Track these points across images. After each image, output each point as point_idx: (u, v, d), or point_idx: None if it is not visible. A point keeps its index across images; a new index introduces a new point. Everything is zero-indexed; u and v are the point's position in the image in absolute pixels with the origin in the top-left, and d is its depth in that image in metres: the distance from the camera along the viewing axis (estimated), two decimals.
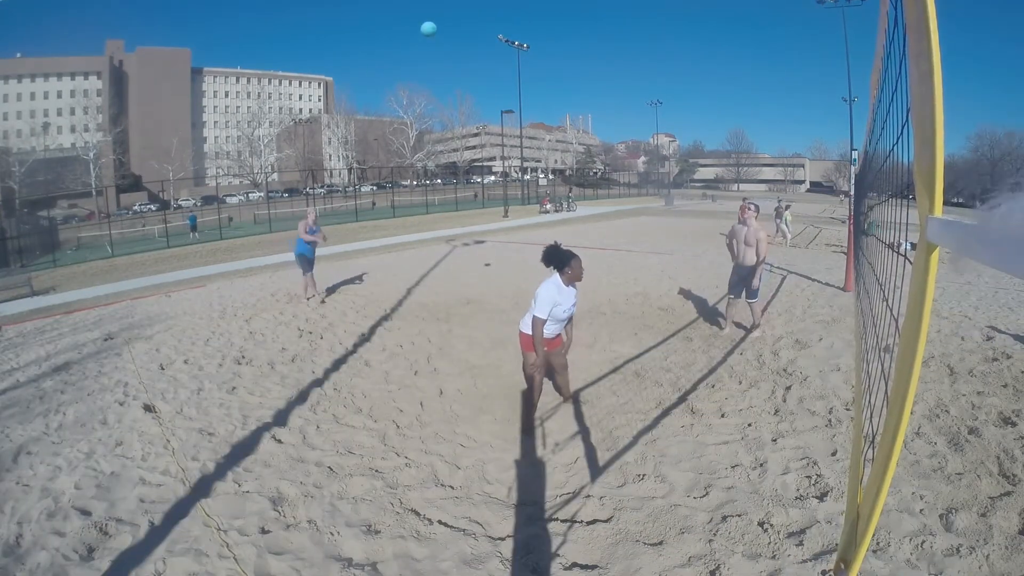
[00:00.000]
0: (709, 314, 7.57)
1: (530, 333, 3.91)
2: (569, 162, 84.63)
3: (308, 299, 9.04)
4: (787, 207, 17.99)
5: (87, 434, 4.35)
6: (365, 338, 6.89)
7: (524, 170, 61.35)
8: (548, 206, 33.91)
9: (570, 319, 4.23)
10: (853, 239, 5.97)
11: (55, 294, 12.21)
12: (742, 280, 6.47)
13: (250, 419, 4.55)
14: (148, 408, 4.84)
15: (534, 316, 3.85)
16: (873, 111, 1.86)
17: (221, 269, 14.37)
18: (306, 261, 9.13)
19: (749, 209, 6.47)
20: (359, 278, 11.10)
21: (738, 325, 6.85)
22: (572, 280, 3.97)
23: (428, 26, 8.49)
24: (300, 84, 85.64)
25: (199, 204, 50.46)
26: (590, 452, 3.82)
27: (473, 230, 22.67)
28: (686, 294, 8.88)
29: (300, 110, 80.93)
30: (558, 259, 3.94)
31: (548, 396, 4.87)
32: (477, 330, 7.02)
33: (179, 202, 56.05)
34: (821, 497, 3.14)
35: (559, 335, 4.21)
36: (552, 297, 3.86)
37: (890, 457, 0.76)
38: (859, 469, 1.00)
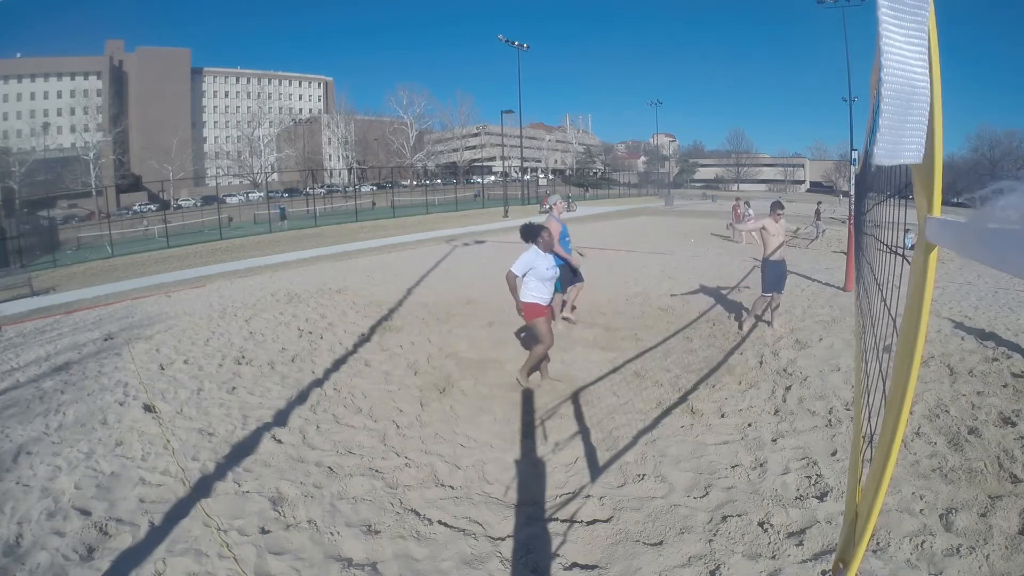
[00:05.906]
0: (709, 314, 7.57)
1: (527, 301, 4.81)
2: (569, 162, 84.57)
3: (563, 319, 7.07)
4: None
5: (87, 434, 4.35)
6: (365, 338, 6.89)
7: (524, 170, 61.33)
8: (548, 206, 33.92)
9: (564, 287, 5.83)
10: (853, 239, 5.96)
11: (55, 294, 12.21)
12: (783, 276, 6.55)
13: (250, 419, 4.55)
14: (148, 408, 4.84)
15: (509, 270, 4.77)
16: (873, 111, 1.86)
17: (221, 269, 14.38)
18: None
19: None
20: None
21: (759, 319, 6.93)
22: (546, 248, 4.91)
23: None
24: (300, 84, 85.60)
25: (199, 204, 50.46)
26: (590, 452, 3.82)
27: (473, 230, 22.67)
28: (685, 294, 8.88)
29: (300, 110, 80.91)
30: (532, 233, 4.95)
31: (548, 396, 4.87)
32: (477, 330, 7.02)
33: (179, 202, 56.03)
34: (821, 497, 3.13)
35: (551, 304, 5.06)
36: (530, 260, 4.80)
37: (888, 457, 0.76)
38: (858, 469, 1.00)
